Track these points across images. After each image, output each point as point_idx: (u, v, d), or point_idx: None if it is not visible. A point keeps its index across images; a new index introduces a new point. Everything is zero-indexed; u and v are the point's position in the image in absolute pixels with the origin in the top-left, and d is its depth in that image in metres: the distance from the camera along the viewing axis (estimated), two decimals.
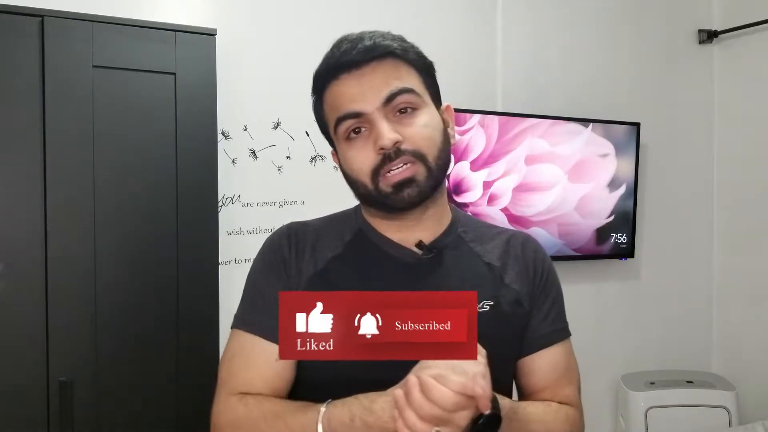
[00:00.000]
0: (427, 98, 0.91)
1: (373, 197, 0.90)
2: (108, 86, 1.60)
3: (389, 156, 0.86)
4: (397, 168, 0.87)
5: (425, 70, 0.93)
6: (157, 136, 1.66)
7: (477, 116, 2.35)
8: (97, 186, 1.58)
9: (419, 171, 0.87)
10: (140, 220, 1.64)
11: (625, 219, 2.64)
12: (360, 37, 0.89)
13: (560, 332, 0.98)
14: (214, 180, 1.73)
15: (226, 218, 2.03)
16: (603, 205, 2.60)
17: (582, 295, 2.67)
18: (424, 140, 0.88)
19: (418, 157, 0.87)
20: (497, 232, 1.02)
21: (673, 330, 2.89)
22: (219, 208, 1.84)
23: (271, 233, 0.99)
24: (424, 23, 2.34)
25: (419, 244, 0.93)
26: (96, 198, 1.58)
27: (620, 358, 2.77)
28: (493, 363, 0.77)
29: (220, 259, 1.73)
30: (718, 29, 2.88)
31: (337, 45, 0.90)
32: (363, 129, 0.88)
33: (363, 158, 0.88)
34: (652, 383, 2.62)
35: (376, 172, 0.87)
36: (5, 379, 1.49)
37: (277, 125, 2.15)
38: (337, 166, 0.97)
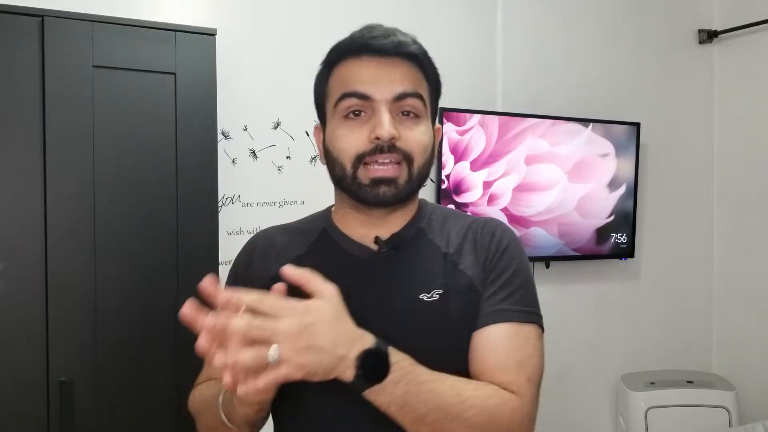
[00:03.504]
0: (428, 112, 0.93)
1: (347, 183, 0.90)
2: (108, 86, 1.60)
3: (381, 147, 0.87)
4: (384, 163, 0.87)
5: (435, 87, 0.95)
6: (157, 136, 1.66)
7: (477, 116, 2.35)
8: (97, 186, 1.58)
9: (403, 174, 0.89)
10: (140, 220, 1.64)
11: (625, 219, 2.64)
12: (393, 31, 0.90)
13: (506, 313, 0.87)
14: (214, 180, 1.73)
15: (226, 218, 2.03)
16: (603, 205, 2.60)
17: (582, 295, 2.67)
18: (418, 146, 0.89)
19: (407, 159, 0.88)
20: (462, 219, 0.99)
21: (673, 330, 2.89)
22: (219, 208, 1.84)
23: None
24: (425, 23, 2.33)
25: (376, 240, 0.94)
26: (96, 198, 1.58)
27: (620, 358, 2.76)
28: (442, 351, 0.82)
29: (220, 259, 1.73)
30: (718, 29, 2.88)
31: (369, 28, 0.91)
32: (363, 113, 0.89)
33: (353, 140, 0.88)
34: (652, 383, 2.62)
35: (360, 158, 0.88)
36: (5, 379, 1.49)
37: (277, 125, 2.15)
38: (315, 143, 0.98)
